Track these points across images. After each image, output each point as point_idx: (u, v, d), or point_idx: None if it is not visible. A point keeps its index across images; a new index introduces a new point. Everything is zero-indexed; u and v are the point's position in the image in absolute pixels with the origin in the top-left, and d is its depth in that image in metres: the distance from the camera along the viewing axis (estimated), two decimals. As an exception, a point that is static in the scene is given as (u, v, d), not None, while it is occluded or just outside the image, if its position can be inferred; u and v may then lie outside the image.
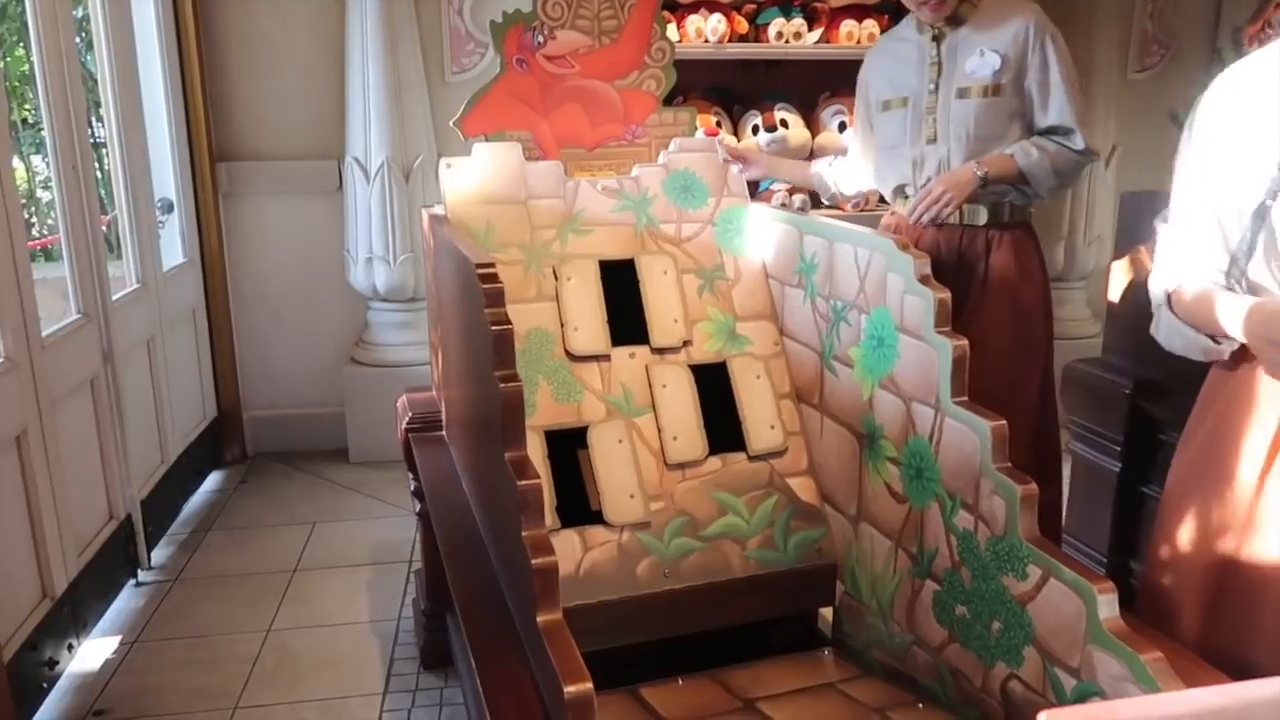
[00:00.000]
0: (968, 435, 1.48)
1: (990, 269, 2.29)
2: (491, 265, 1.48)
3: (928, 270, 1.59)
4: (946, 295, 1.56)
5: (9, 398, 2.16)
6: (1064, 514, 2.50)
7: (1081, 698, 1.27)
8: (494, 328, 1.39)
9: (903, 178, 2.38)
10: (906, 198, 2.37)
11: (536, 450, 1.76)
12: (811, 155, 3.65)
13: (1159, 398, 2.46)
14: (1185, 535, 1.48)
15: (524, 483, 1.27)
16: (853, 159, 2.58)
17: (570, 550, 1.73)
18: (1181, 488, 1.50)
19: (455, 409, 2.02)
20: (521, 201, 2.00)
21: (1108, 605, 1.23)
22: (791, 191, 3.48)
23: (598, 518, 1.79)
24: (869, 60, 2.49)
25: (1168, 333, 1.48)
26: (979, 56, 2.22)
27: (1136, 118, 4.05)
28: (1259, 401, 1.37)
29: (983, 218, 2.28)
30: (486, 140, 2.14)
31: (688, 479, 1.86)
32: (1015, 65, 2.20)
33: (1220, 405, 1.44)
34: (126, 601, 2.73)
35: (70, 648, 2.41)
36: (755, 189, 3.50)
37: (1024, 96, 2.23)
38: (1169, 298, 1.46)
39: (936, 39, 2.27)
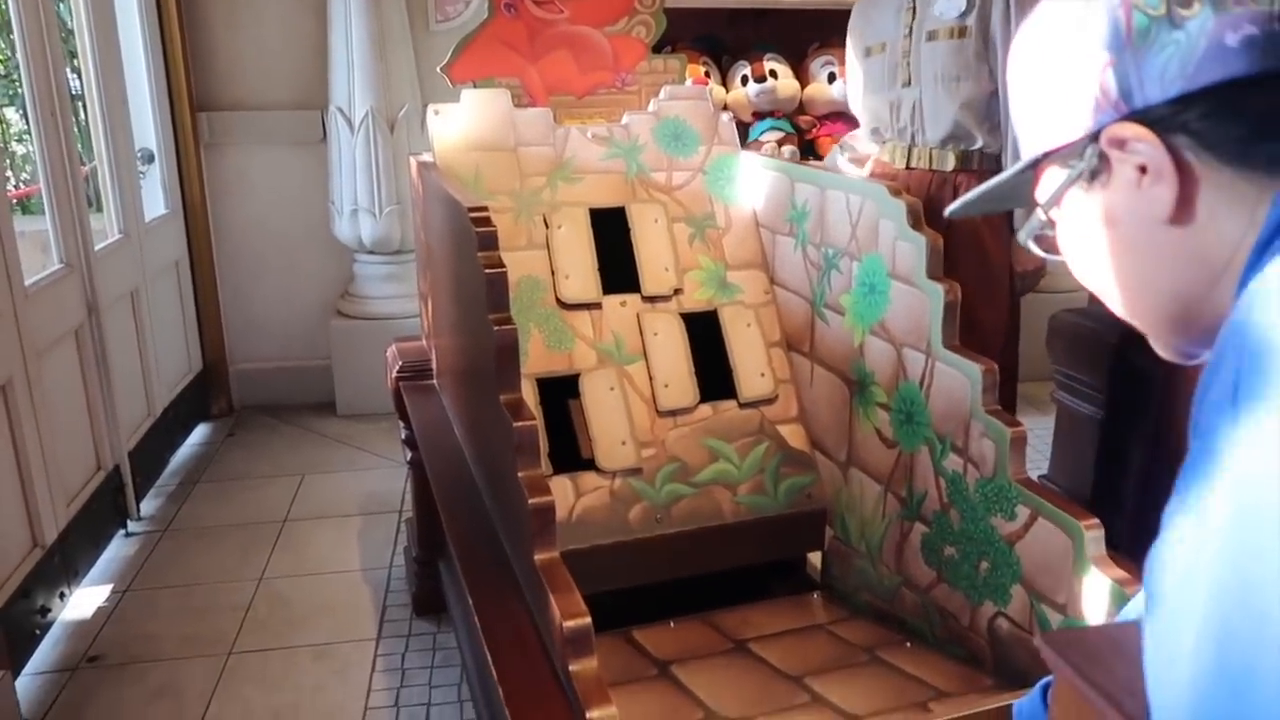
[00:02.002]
0: (958, 379, 1.50)
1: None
2: (484, 210, 1.47)
3: (919, 215, 1.60)
4: (939, 240, 1.57)
5: (-6, 347, 2.14)
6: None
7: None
8: (488, 272, 1.39)
9: (880, 121, 2.42)
10: (885, 141, 2.43)
11: (529, 397, 1.77)
12: (801, 106, 3.64)
13: (1144, 348, 2.48)
14: None
15: (520, 424, 1.28)
16: (855, 109, 2.62)
17: (563, 496, 1.74)
18: None
19: (446, 357, 2.03)
20: (511, 149, 1.99)
21: (1095, 542, 1.26)
22: (781, 142, 3.47)
23: (590, 465, 1.80)
24: (856, 8, 2.54)
25: None
26: None
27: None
28: None
29: (951, 163, 2.31)
30: (475, 87, 2.11)
31: (679, 426, 1.88)
32: (980, 6, 2.22)
33: None
34: (117, 551, 2.74)
35: (62, 596, 2.42)
36: (745, 137, 3.49)
37: (989, 38, 2.24)
38: None
39: None
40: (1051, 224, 0.71)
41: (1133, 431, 2.48)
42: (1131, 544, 1.99)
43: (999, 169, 2.34)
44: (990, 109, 2.27)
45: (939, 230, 2.36)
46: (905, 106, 2.34)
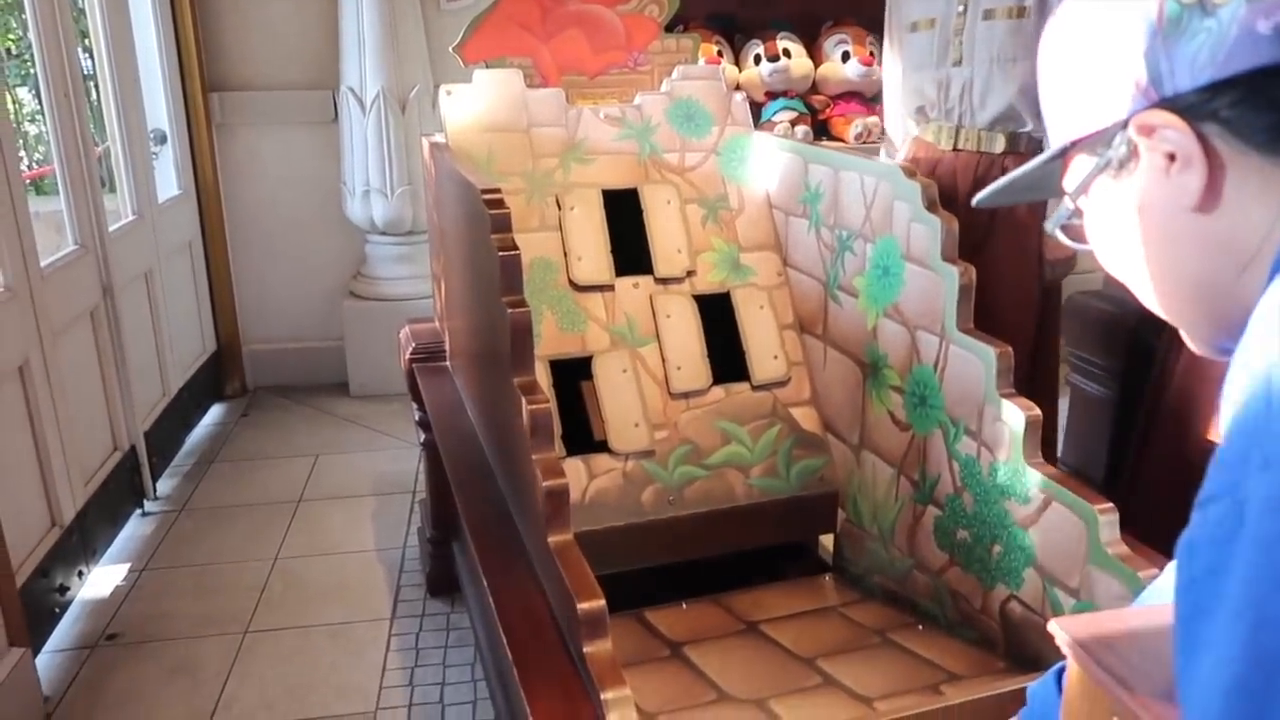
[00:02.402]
0: (973, 362, 1.49)
1: None
2: (497, 191, 1.47)
3: (935, 196, 1.59)
4: (954, 222, 1.55)
5: (11, 328, 2.16)
6: (1058, 448, 2.53)
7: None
8: (501, 253, 1.39)
9: (925, 100, 2.35)
10: (929, 120, 2.36)
11: (542, 379, 1.77)
12: (814, 86, 3.61)
13: (1160, 331, 2.47)
14: None
15: (534, 406, 1.28)
16: (890, 86, 2.54)
17: (575, 477, 1.75)
18: None
19: (460, 339, 2.03)
20: (523, 129, 1.98)
21: (1109, 527, 1.26)
22: (794, 122, 3.45)
23: (603, 447, 1.81)
24: None
25: None
26: None
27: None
28: None
29: (1000, 145, 2.27)
30: (487, 67, 2.11)
31: (691, 408, 1.88)
32: None
33: None
34: (134, 530, 2.76)
35: (80, 574, 2.45)
36: (757, 119, 3.47)
37: (1045, 19, 2.20)
38: None
39: None
40: (1079, 213, 0.70)
41: (1148, 414, 2.46)
42: (1146, 528, 1.99)
43: (1042, 150, 2.30)
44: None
45: (981, 212, 2.35)
46: (955, 86, 2.28)
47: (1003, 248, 2.28)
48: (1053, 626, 0.73)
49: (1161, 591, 0.83)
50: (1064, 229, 0.72)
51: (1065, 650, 0.71)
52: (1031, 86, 2.23)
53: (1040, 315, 2.37)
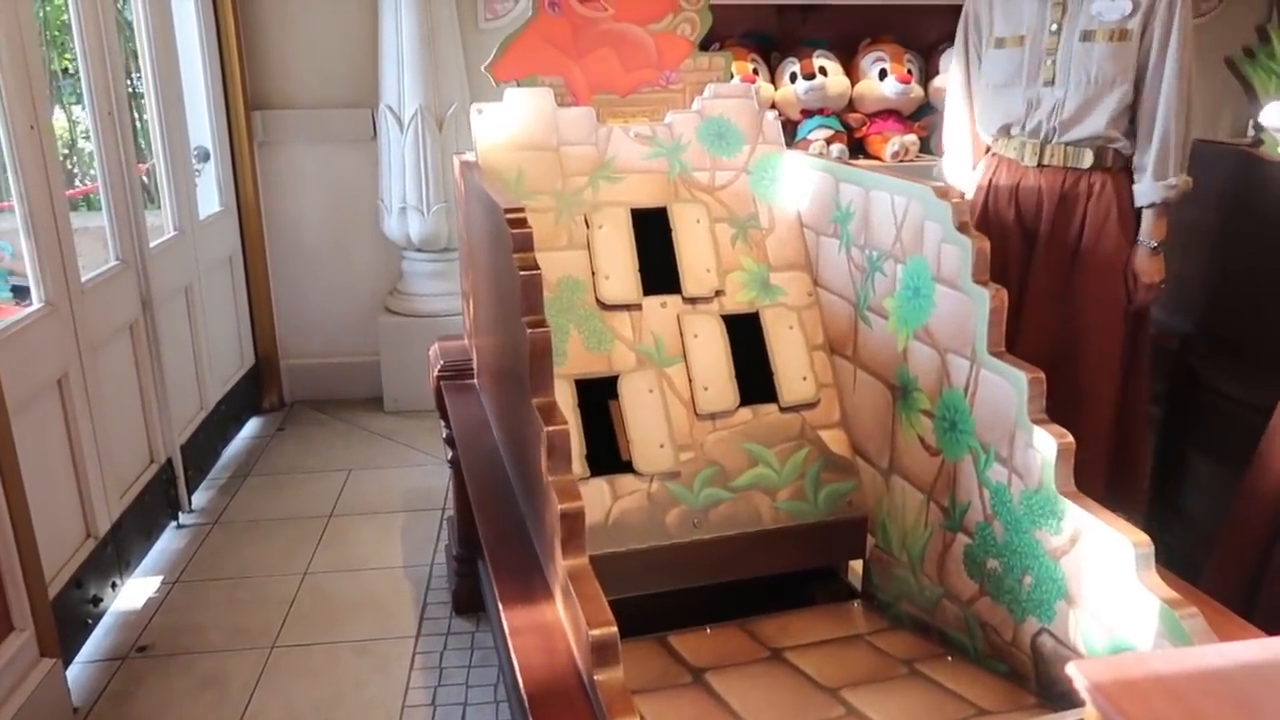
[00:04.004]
0: (1004, 387, 1.46)
1: (1089, 214, 2.24)
2: (520, 210, 1.46)
3: (966, 217, 1.55)
4: (985, 243, 1.52)
5: (50, 341, 2.20)
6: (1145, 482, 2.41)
7: (1114, 654, 1.25)
8: (522, 273, 1.38)
9: (1011, 117, 2.30)
10: (1011, 138, 2.31)
11: (566, 399, 1.76)
12: (850, 104, 3.58)
13: (1206, 355, 2.40)
14: None
15: (551, 428, 1.27)
16: (956, 102, 2.47)
17: (599, 499, 1.73)
18: None
19: (486, 357, 2.03)
20: (553, 148, 1.98)
21: (1144, 560, 1.21)
22: (830, 140, 3.42)
23: (628, 467, 1.79)
24: None
25: None
26: None
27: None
28: None
29: (1088, 160, 2.22)
30: (518, 86, 2.11)
31: (718, 429, 1.85)
32: (1144, 9, 2.12)
33: None
34: (168, 543, 2.79)
35: (114, 586, 2.48)
36: (792, 137, 3.44)
37: (1144, 42, 2.14)
38: None
39: None
40: None
41: (1193, 440, 2.40)
42: (1191, 560, 1.93)
43: (1129, 168, 2.24)
44: (1132, 113, 2.19)
45: (1066, 228, 2.27)
46: (1045, 104, 2.23)
47: (1091, 280, 2.24)
48: (1071, 669, 0.70)
49: None
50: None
51: (1084, 695, 0.68)
52: (1129, 108, 2.18)
53: (1131, 346, 2.29)
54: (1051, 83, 2.21)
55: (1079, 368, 2.26)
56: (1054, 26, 2.19)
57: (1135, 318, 2.29)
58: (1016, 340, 2.30)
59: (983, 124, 2.40)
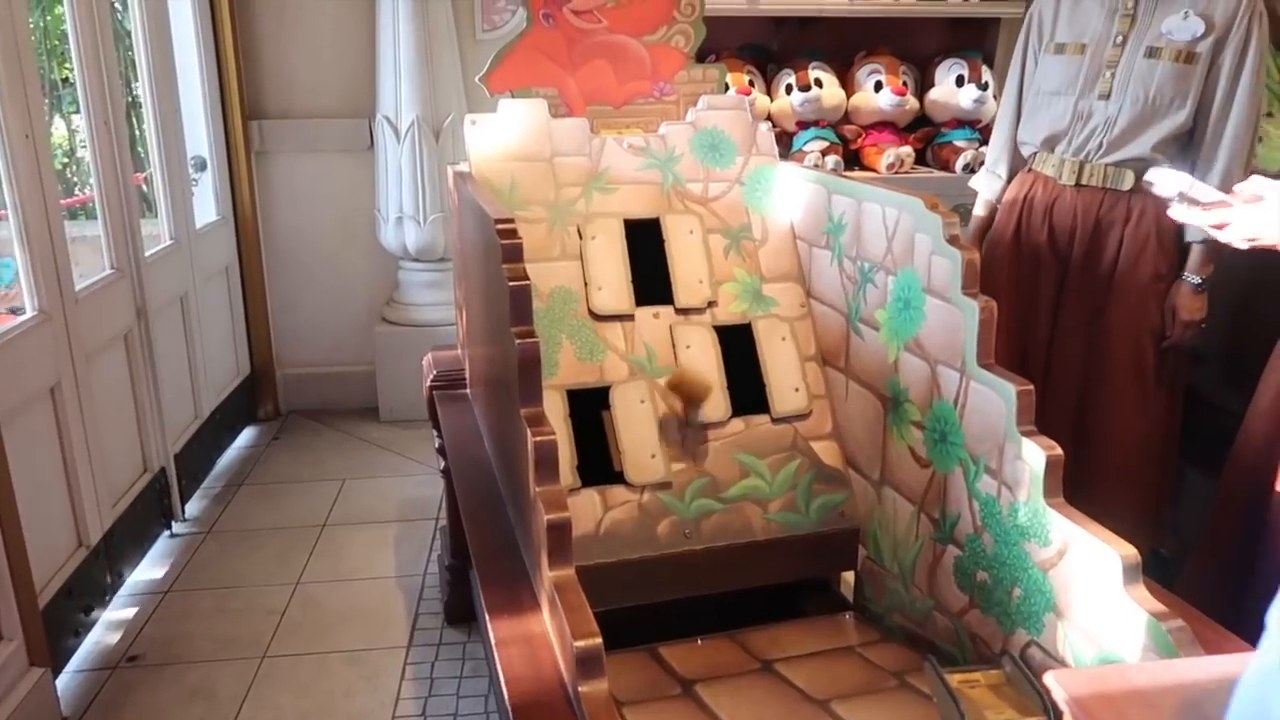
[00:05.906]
0: (993, 399, 1.46)
1: (1126, 239, 2.16)
2: (510, 221, 1.47)
3: (956, 230, 1.56)
4: (975, 255, 1.52)
5: (43, 350, 2.20)
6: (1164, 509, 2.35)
7: (1102, 665, 1.25)
8: (511, 284, 1.38)
9: (1056, 128, 2.21)
10: (1052, 153, 2.23)
11: (557, 409, 1.76)
12: (846, 116, 3.59)
13: (1214, 374, 2.39)
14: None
15: (538, 438, 1.27)
16: (1008, 109, 2.39)
17: (591, 509, 1.73)
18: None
19: (478, 366, 2.03)
20: (547, 159, 1.98)
21: (1132, 573, 1.21)
22: (825, 152, 3.43)
23: (619, 478, 1.79)
24: None
25: None
26: (1182, 18, 2.05)
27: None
28: None
29: (1128, 182, 2.14)
30: (512, 96, 2.12)
31: (710, 440, 1.85)
32: (1218, 33, 2.04)
33: None
34: (161, 552, 2.79)
35: (105, 595, 2.47)
36: (788, 148, 3.45)
37: (1214, 68, 2.07)
38: None
39: None
40: None
41: (1198, 460, 2.39)
42: (1189, 578, 1.92)
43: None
44: (1182, 140, 2.12)
45: (1101, 249, 2.18)
46: (1095, 118, 2.14)
47: (1123, 309, 2.18)
48: (1050, 680, 0.70)
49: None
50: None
51: (1062, 707, 0.68)
52: (1179, 130, 2.09)
53: (1164, 379, 2.23)
54: (1106, 96, 2.12)
55: (1108, 397, 2.21)
56: (1119, 38, 2.11)
57: (1170, 353, 2.21)
58: (1049, 371, 2.26)
59: (1026, 132, 2.32)
